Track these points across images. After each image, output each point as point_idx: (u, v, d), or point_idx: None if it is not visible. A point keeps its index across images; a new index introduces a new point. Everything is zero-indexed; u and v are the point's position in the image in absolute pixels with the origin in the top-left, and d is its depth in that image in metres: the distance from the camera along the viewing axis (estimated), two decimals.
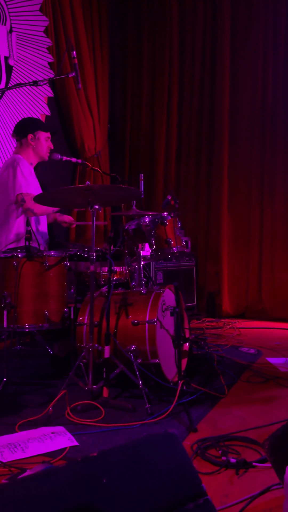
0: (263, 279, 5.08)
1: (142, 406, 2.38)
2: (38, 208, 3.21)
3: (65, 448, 1.96)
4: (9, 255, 2.74)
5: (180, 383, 2.41)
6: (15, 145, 3.49)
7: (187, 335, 2.82)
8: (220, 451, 1.86)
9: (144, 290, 2.77)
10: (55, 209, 3.41)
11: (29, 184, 3.26)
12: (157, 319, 2.61)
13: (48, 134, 3.42)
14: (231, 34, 5.12)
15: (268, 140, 5.03)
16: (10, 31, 4.19)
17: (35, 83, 2.83)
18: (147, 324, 2.61)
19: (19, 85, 3.11)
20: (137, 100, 5.66)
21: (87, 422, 2.24)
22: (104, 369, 2.51)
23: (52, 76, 4.46)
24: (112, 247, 2.85)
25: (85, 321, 2.75)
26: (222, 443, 1.94)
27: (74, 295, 2.83)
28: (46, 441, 2.04)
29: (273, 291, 5.04)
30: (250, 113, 5.10)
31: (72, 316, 2.78)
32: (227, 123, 5.16)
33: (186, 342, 2.83)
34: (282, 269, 4.98)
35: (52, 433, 2.12)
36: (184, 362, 2.82)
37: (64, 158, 3.44)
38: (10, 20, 4.18)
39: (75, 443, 2.02)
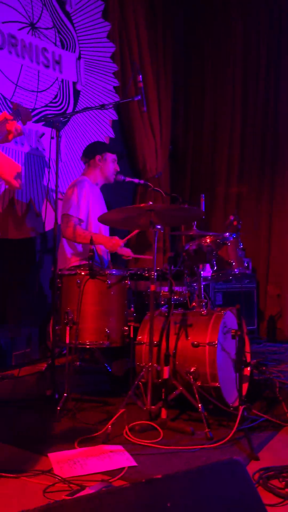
0: None
1: (201, 430, 2.34)
2: (67, 232, 3.25)
3: (123, 468, 1.95)
4: (73, 272, 2.81)
5: (241, 408, 2.34)
6: (81, 167, 3.61)
7: (248, 359, 2.75)
8: (283, 482, 1.79)
9: (204, 311, 2.74)
10: (88, 238, 3.35)
11: (80, 208, 3.32)
12: (218, 341, 2.57)
13: (115, 156, 3.51)
14: None
15: None
16: (79, 58, 4.37)
17: (102, 106, 2.93)
18: (207, 346, 2.57)
19: (87, 108, 3.23)
20: (199, 123, 5.69)
21: (145, 442, 2.22)
22: (163, 390, 2.49)
23: (117, 99, 4.59)
24: (172, 267, 2.85)
25: (145, 340, 2.75)
26: (286, 474, 1.86)
27: (133, 313, 2.85)
28: (105, 459, 2.04)
29: None
30: None
31: (131, 335, 2.79)
32: None
33: (247, 367, 2.76)
34: None
35: (110, 451, 2.12)
36: (244, 387, 2.75)
37: (127, 179, 3.51)
38: (79, 47, 4.36)
39: (133, 463, 2.01)
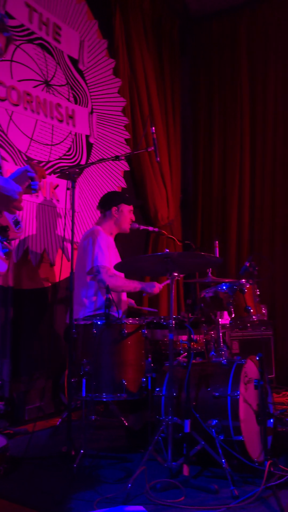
0: None
1: (226, 487, 2.22)
2: (112, 282, 3.22)
3: None
4: (89, 322, 2.76)
5: (268, 463, 2.23)
6: (94, 217, 3.64)
7: (271, 411, 2.65)
8: None
9: (224, 361, 2.67)
10: (133, 286, 3.40)
11: (105, 256, 3.33)
12: (240, 392, 2.48)
13: (131, 207, 3.54)
14: None
15: None
16: (91, 112, 4.50)
17: (116, 158, 2.98)
18: (229, 397, 2.48)
19: (102, 160, 3.30)
20: (208, 170, 5.78)
21: (168, 503, 2.11)
22: (184, 444, 2.38)
23: (128, 151, 4.69)
24: (190, 315, 2.81)
25: (163, 392, 2.66)
26: None
27: (151, 364, 2.77)
28: None
29: None
30: None
31: (149, 387, 2.70)
32: None
33: (271, 418, 2.65)
34: None
35: None
36: (268, 440, 2.63)
37: (142, 227, 3.53)
38: (92, 102, 4.51)
39: None
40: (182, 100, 5.84)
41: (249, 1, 5.54)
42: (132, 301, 3.69)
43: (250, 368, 2.69)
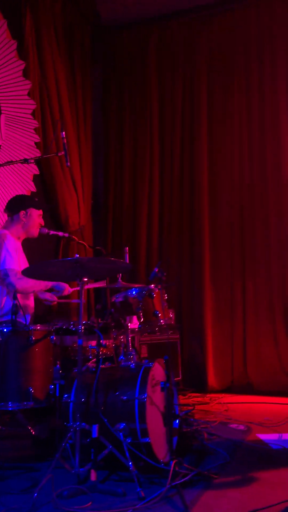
0: (248, 354, 5.04)
1: (133, 489, 2.25)
2: (21, 284, 3.16)
3: None
4: None
5: (173, 463, 2.30)
6: (3, 220, 3.53)
7: (177, 412, 2.73)
8: None
9: (133, 365, 2.71)
10: (44, 284, 3.34)
11: (14, 260, 3.25)
12: (147, 395, 2.54)
13: (40, 212, 3.47)
14: (208, 116, 5.43)
15: (247, 210, 5.20)
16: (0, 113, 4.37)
17: (25, 161, 2.93)
18: (136, 400, 2.53)
19: (9, 162, 3.21)
20: (120, 177, 5.85)
21: (74, 509, 2.09)
22: (92, 450, 2.39)
23: (38, 154, 4.61)
24: (99, 320, 2.82)
25: (72, 398, 2.64)
26: None
27: (59, 371, 2.74)
28: None
29: (258, 365, 4.98)
30: (229, 188, 5.31)
31: (57, 393, 2.67)
32: (206, 198, 5.35)
33: (176, 419, 2.73)
34: (267, 343, 4.97)
35: None
36: (174, 440, 2.71)
37: (51, 232, 3.48)
38: (0, 103, 4.38)
39: None
40: (94, 107, 5.87)
41: (159, 17, 5.72)
42: (52, 294, 3.59)
43: (158, 371, 2.76)
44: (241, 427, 3.50)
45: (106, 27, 5.92)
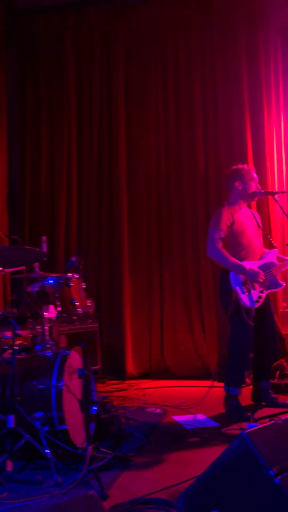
0: (164, 340, 5.20)
1: (51, 477, 2.27)
2: None
3: None
4: None
5: (89, 448, 2.34)
6: None
7: (95, 398, 2.77)
8: None
9: (49, 353, 2.71)
10: None
11: None
12: (64, 382, 2.55)
13: None
14: (125, 105, 5.46)
15: (164, 200, 5.33)
16: None
17: None
18: (53, 388, 2.53)
19: None
20: (36, 164, 5.70)
21: None
22: (8, 440, 2.36)
23: None
24: (15, 310, 2.78)
25: None
26: (136, 507, 1.90)
27: None
28: None
29: (174, 351, 5.16)
30: (146, 176, 5.40)
31: None
32: (124, 187, 5.40)
33: (94, 406, 2.77)
34: (182, 329, 5.15)
35: None
36: (92, 426, 2.75)
37: None
38: None
39: None
40: (9, 92, 5.68)
41: (76, 2, 5.64)
42: None
43: (75, 359, 2.78)
44: (158, 411, 3.62)
45: (22, 10, 5.74)
